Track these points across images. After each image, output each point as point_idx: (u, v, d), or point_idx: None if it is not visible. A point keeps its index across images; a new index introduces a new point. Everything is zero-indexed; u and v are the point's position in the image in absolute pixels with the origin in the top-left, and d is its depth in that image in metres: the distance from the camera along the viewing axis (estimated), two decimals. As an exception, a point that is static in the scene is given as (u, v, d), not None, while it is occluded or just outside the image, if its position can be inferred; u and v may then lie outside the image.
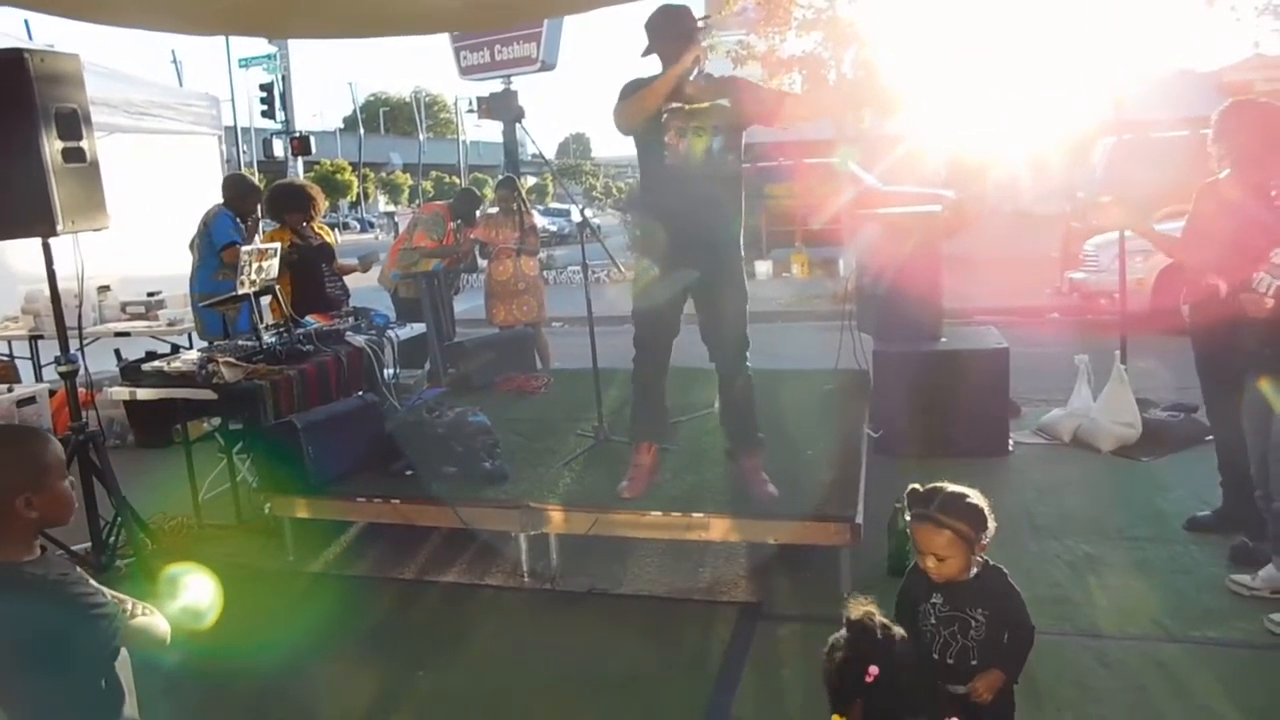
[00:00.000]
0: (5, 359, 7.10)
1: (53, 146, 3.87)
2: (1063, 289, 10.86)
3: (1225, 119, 3.85)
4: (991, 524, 2.27)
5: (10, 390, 6.31)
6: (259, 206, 6.35)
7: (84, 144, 4.05)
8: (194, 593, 2.30)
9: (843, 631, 1.98)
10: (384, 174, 53.47)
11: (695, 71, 3.89)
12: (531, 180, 46.01)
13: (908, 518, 2.34)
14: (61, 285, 4.29)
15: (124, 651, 2.06)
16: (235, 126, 26.34)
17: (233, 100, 26.67)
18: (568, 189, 6.58)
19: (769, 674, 3.31)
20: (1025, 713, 2.34)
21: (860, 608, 1.99)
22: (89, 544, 4.42)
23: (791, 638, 3.55)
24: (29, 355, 7.08)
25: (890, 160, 16.38)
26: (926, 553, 2.27)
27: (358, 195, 49.02)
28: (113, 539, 4.46)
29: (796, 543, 3.92)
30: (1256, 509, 3.82)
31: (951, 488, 2.29)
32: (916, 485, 2.33)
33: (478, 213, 7.45)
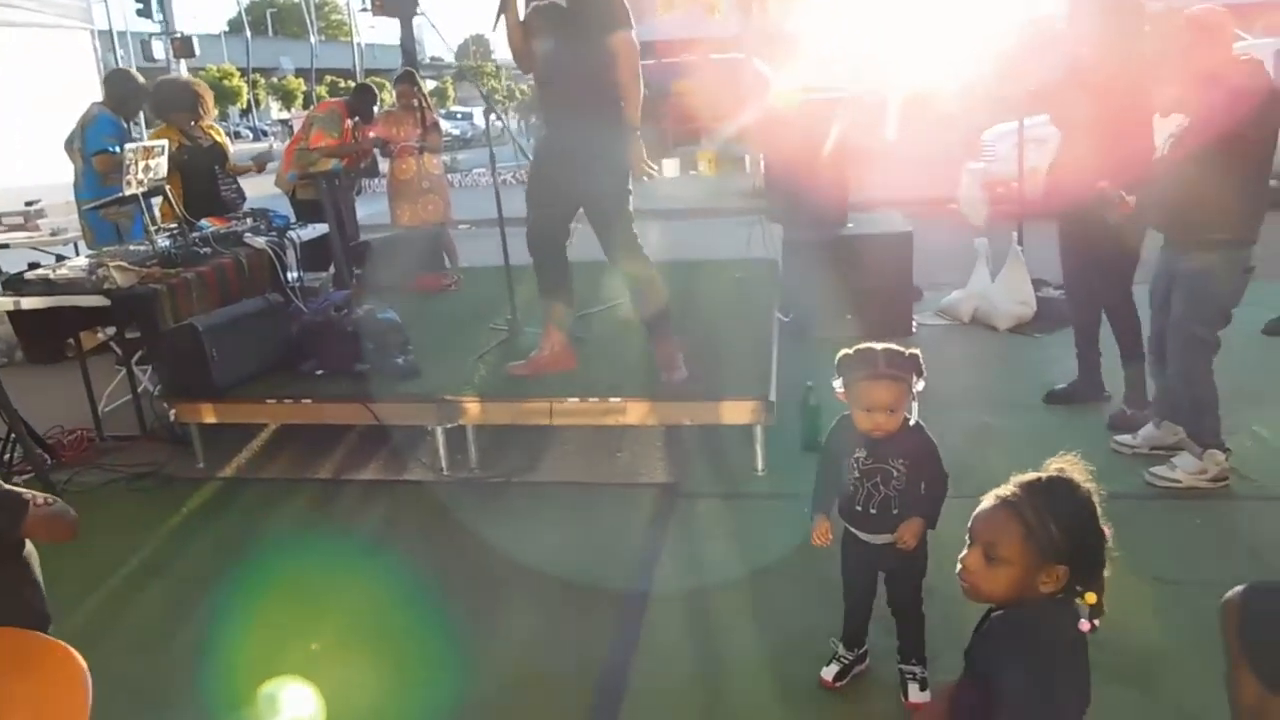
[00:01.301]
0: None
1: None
2: (963, 180, 11.09)
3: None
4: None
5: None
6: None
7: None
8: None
9: (1046, 488, 1.66)
10: (275, 79, 50.85)
11: None
12: (431, 84, 44.31)
13: (837, 385, 2.36)
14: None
15: (30, 546, 2.01)
16: (110, 30, 24.61)
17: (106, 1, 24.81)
18: (480, 89, 6.35)
19: (688, 549, 3.41)
20: (932, 566, 2.47)
21: (1070, 463, 1.70)
22: (-17, 461, 4.27)
23: (709, 514, 3.66)
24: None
25: (796, 57, 16.30)
26: (876, 409, 2.32)
27: (248, 102, 46.62)
28: (8, 455, 4.30)
29: (712, 423, 4.01)
30: (1100, 382, 4.41)
31: (881, 345, 2.34)
32: (847, 350, 2.37)
33: (375, 109, 7.18)
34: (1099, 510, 1.68)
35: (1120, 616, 2.73)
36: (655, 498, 3.80)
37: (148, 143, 4.96)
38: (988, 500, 1.73)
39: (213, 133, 6.12)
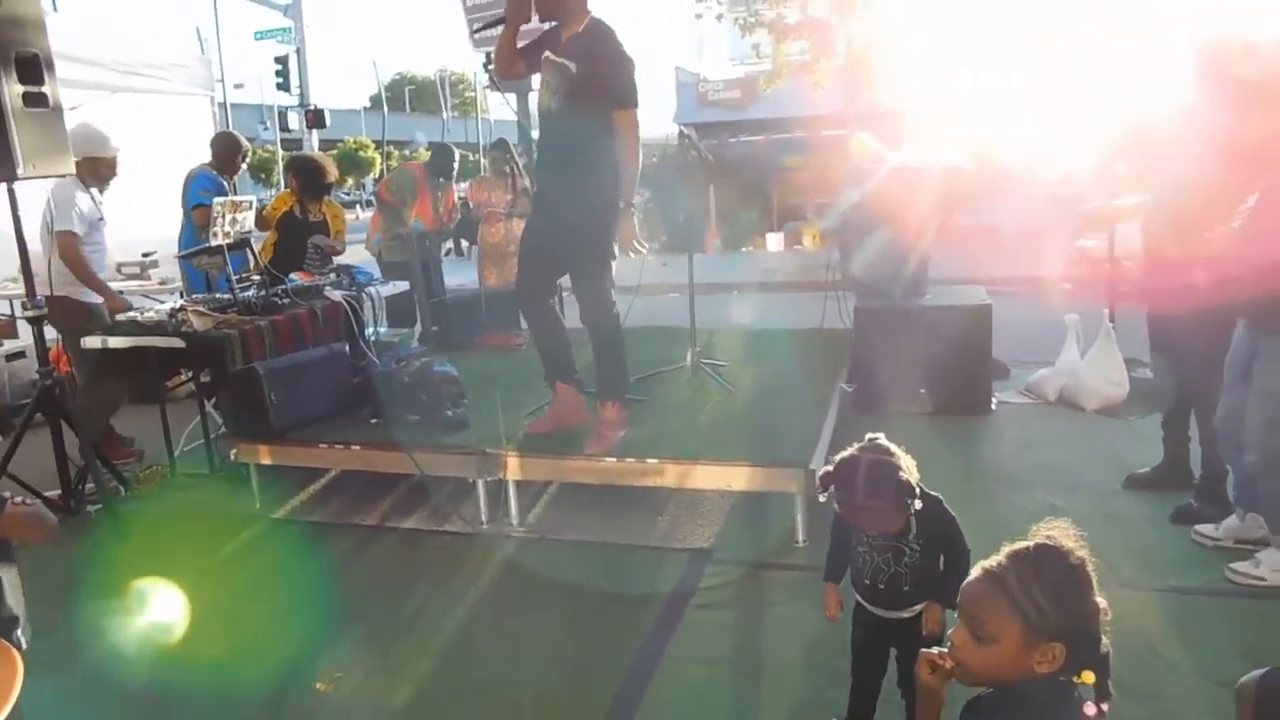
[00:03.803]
0: (5, 317, 7.18)
1: (12, 90, 3.87)
2: (1073, 257, 10.72)
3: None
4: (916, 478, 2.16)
5: (0, 344, 6.43)
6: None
7: (46, 89, 4.04)
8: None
9: (1034, 560, 1.54)
10: (407, 151, 53.64)
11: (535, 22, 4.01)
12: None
13: (822, 498, 2.23)
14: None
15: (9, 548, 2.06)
16: (223, 101, 26.41)
17: (222, 72, 26.60)
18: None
19: (711, 615, 3.28)
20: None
21: (1063, 532, 1.57)
22: (60, 490, 4.49)
23: (739, 582, 3.51)
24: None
25: (909, 135, 16.20)
26: (862, 527, 2.23)
27: (380, 172, 49.22)
28: (81, 486, 4.51)
29: (752, 489, 3.88)
30: (1187, 469, 4.05)
31: (868, 460, 2.15)
32: (828, 466, 2.21)
33: (454, 167, 7.44)
34: (1094, 581, 1.53)
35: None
36: (688, 562, 3.68)
37: (236, 199, 5.24)
38: (974, 571, 1.59)
39: (325, 209, 6.42)
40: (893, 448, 2.17)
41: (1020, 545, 1.57)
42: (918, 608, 2.24)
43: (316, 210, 6.30)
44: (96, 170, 5.09)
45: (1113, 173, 6.08)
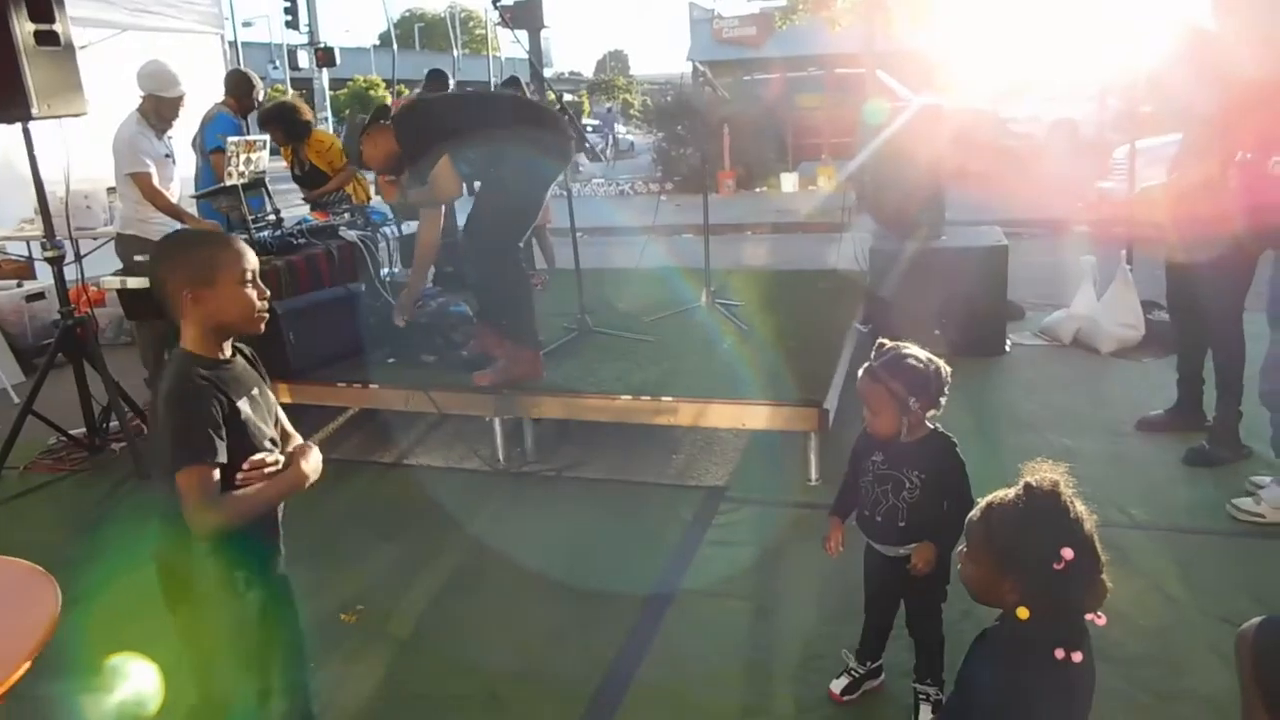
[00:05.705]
0: (22, 258, 7.23)
1: (23, 28, 3.86)
2: (1092, 200, 10.59)
3: None
4: (933, 394, 2.21)
5: (20, 285, 6.48)
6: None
7: (57, 27, 4.02)
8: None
9: (1010, 493, 1.58)
10: (416, 90, 53.05)
11: None
12: (569, 96, 45.24)
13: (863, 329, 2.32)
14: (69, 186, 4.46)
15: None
16: (233, 40, 26.10)
17: (231, 10, 26.22)
18: (556, 94, 6.25)
19: (725, 551, 3.35)
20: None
21: (1047, 474, 1.56)
22: (84, 428, 4.57)
23: (752, 519, 3.58)
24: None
25: (928, 74, 15.92)
26: (864, 404, 2.27)
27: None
28: (106, 424, 4.59)
29: (766, 428, 3.91)
30: (1201, 411, 4.06)
31: (909, 349, 2.23)
32: (884, 340, 2.29)
33: (449, 88, 7.36)
34: (1068, 525, 1.52)
35: (1185, 662, 2.56)
36: (702, 500, 3.74)
37: (250, 137, 5.22)
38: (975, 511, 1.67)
39: (310, 151, 6.31)
40: (931, 357, 2.23)
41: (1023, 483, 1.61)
42: (913, 546, 2.24)
43: (306, 155, 6.21)
44: (160, 109, 5.12)
45: (1138, 115, 5.99)
